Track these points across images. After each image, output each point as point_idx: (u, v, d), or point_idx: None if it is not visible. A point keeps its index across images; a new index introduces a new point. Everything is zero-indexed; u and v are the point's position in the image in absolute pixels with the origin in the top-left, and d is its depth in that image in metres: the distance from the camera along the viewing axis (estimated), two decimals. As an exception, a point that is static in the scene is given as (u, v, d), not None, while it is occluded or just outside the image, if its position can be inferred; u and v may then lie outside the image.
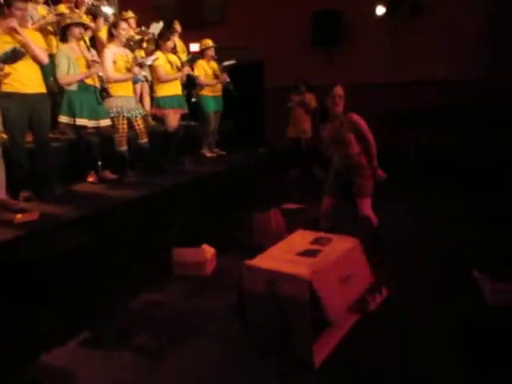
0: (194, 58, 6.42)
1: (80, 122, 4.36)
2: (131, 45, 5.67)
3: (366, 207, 3.78)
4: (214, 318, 3.15)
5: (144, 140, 5.09)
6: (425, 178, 6.75)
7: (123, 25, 5.00)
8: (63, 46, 4.47)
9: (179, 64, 5.76)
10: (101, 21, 5.72)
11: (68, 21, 4.44)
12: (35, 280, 2.97)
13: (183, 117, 5.96)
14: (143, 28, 6.47)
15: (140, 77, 5.32)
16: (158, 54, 5.51)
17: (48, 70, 4.37)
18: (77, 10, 5.30)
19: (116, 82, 4.78)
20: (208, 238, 4.18)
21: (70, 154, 4.70)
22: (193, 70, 6.14)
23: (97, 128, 4.53)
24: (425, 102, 7.53)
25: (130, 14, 6.58)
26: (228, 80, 6.28)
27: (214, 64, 6.35)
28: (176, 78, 5.64)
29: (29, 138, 4.06)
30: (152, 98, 6.06)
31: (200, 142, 6.47)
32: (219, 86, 6.40)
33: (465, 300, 3.26)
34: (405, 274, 3.69)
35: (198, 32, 7.73)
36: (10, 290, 2.82)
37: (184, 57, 6.67)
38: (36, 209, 3.61)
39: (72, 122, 4.36)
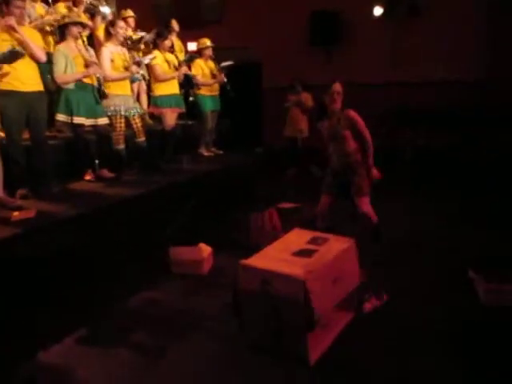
0: (191, 58, 6.42)
1: (77, 120, 4.35)
2: (128, 44, 5.66)
3: (365, 205, 3.79)
4: (210, 317, 3.16)
5: (141, 139, 5.09)
6: (423, 178, 6.76)
7: (121, 23, 5.00)
8: (61, 45, 4.46)
9: (176, 63, 5.76)
10: (99, 19, 5.72)
11: (66, 20, 4.43)
12: (32, 278, 2.98)
13: (181, 116, 5.96)
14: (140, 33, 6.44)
15: (137, 75, 5.32)
16: (156, 52, 5.51)
17: (45, 69, 4.37)
18: (75, 9, 5.30)
19: (114, 80, 4.78)
20: (205, 237, 4.19)
21: (67, 152, 4.70)
22: (190, 69, 6.15)
23: (94, 126, 4.54)
24: (423, 102, 7.54)
25: (129, 12, 6.54)
26: (225, 81, 6.29)
27: (211, 63, 6.35)
28: (173, 78, 5.64)
29: (26, 135, 4.06)
30: (149, 97, 6.06)
31: (197, 141, 6.47)
32: (216, 86, 6.40)
33: (462, 300, 3.27)
34: (402, 273, 3.70)
35: (196, 31, 7.74)
36: (7, 288, 2.83)
37: (182, 56, 6.66)
38: (33, 207, 3.61)
39: (69, 121, 4.36)
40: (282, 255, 2.83)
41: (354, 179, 3.79)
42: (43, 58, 3.97)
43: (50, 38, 5.03)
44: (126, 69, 4.90)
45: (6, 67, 3.65)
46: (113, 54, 4.81)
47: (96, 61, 4.55)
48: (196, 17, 9.55)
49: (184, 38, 7.35)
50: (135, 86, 6.02)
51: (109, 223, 3.77)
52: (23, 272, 2.94)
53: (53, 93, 4.63)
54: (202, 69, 6.20)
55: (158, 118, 5.88)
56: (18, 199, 3.81)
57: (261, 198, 5.86)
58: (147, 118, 6.12)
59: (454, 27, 7.69)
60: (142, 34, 6.34)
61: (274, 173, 7.32)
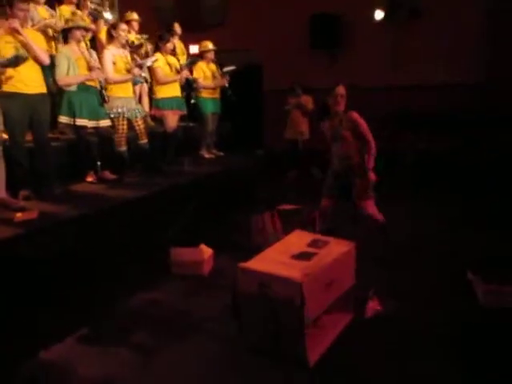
0: (193, 62, 6.43)
1: (80, 122, 4.38)
2: (131, 47, 5.69)
3: (370, 207, 3.81)
4: (211, 318, 3.18)
5: (144, 140, 5.12)
6: (424, 181, 6.76)
7: (123, 26, 5.04)
8: (64, 47, 4.50)
9: (178, 66, 5.79)
10: (101, 22, 5.76)
11: (70, 24, 4.47)
12: (34, 278, 2.99)
13: (182, 118, 5.99)
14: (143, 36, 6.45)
15: (139, 78, 5.35)
16: (158, 55, 5.55)
17: (47, 71, 4.40)
18: (79, 12, 5.34)
19: (116, 82, 4.82)
20: (206, 239, 4.20)
21: (69, 154, 4.73)
22: (192, 72, 6.17)
23: (96, 128, 4.57)
24: (424, 105, 7.55)
25: (133, 15, 6.50)
26: (227, 85, 6.31)
27: (213, 66, 6.38)
28: (175, 81, 5.68)
29: (28, 137, 4.09)
30: (151, 99, 6.10)
31: (198, 143, 6.50)
32: (218, 88, 6.44)
33: (463, 303, 3.26)
34: (403, 277, 3.70)
35: (197, 34, 7.77)
36: (10, 288, 2.85)
37: (183, 59, 6.69)
38: (35, 208, 3.64)
39: (72, 122, 4.39)
40: (281, 258, 2.84)
41: (355, 181, 3.80)
42: (46, 60, 4.01)
43: (53, 43, 5.05)
44: (128, 71, 4.93)
45: (9, 70, 3.69)
46: (115, 56, 4.84)
47: (99, 65, 4.58)
48: (198, 19, 9.58)
49: (186, 41, 7.37)
50: (137, 88, 6.05)
51: (110, 224, 3.79)
52: (26, 272, 2.96)
53: (55, 95, 4.65)
54: (204, 71, 6.23)
55: (159, 120, 5.91)
56: (20, 200, 3.84)
57: (261, 199, 5.87)
58: (149, 120, 6.15)
59: (454, 30, 7.71)
60: (144, 37, 6.35)
61: (275, 175, 7.33)
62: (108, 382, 2.53)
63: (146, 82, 6.03)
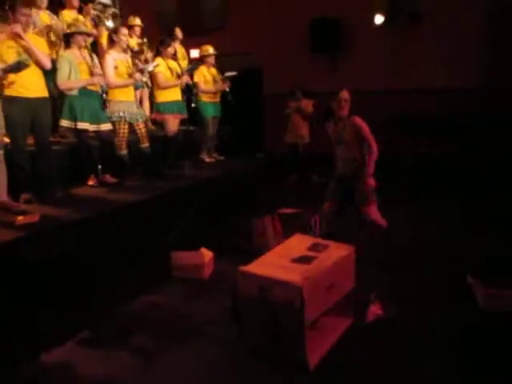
0: (194, 67, 6.45)
1: (81, 125, 4.41)
2: (131, 52, 5.70)
3: (373, 212, 3.82)
4: (211, 321, 3.18)
5: (145, 144, 5.14)
6: (424, 185, 6.77)
7: (124, 30, 5.06)
8: (65, 51, 4.53)
9: (179, 70, 5.82)
10: (103, 27, 5.78)
11: (73, 29, 4.50)
12: (36, 281, 3.01)
13: (182, 122, 6.01)
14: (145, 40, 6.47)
15: (141, 83, 5.37)
16: (159, 60, 5.58)
17: (49, 75, 4.42)
18: (81, 18, 5.36)
19: (117, 87, 4.84)
20: (206, 242, 4.21)
21: (70, 158, 4.75)
22: (192, 76, 6.19)
23: (97, 132, 4.59)
24: (424, 109, 7.57)
25: (136, 21, 6.50)
26: (227, 90, 6.33)
27: (213, 70, 6.40)
28: (176, 85, 5.70)
29: (30, 141, 4.11)
30: (152, 104, 6.12)
31: (199, 147, 6.52)
32: (218, 92, 6.46)
33: (463, 307, 3.27)
34: (403, 281, 3.71)
35: (198, 38, 7.80)
36: (11, 291, 2.86)
37: (184, 63, 6.71)
38: (37, 211, 3.66)
39: (73, 126, 4.42)
40: (281, 262, 2.85)
41: (358, 186, 3.81)
42: (48, 64, 4.03)
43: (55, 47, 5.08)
44: (130, 76, 4.96)
45: (11, 75, 3.71)
46: (116, 61, 4.87)
47: (100, 72, 4.60)
48: (198, 24, 9.61)
49: (186, 45, 7.40)
50: (138, 92, 6.07)
51: (111, 228, 3.81)
52: (27, 275, 2.97)
53: (56, 99, 4.67)
54: (205, 76, 6.25)
55: (160, 124, 5.93)
56: (22, 204, 3.85)
57: (262, 203, 5.88)
58: (150, 123, 6.16)
59: (454, 35, 7.75)
60: (144, 41, 6.37)
61: (275, 179, 7.35)
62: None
63: (147, 86, 6.05)
